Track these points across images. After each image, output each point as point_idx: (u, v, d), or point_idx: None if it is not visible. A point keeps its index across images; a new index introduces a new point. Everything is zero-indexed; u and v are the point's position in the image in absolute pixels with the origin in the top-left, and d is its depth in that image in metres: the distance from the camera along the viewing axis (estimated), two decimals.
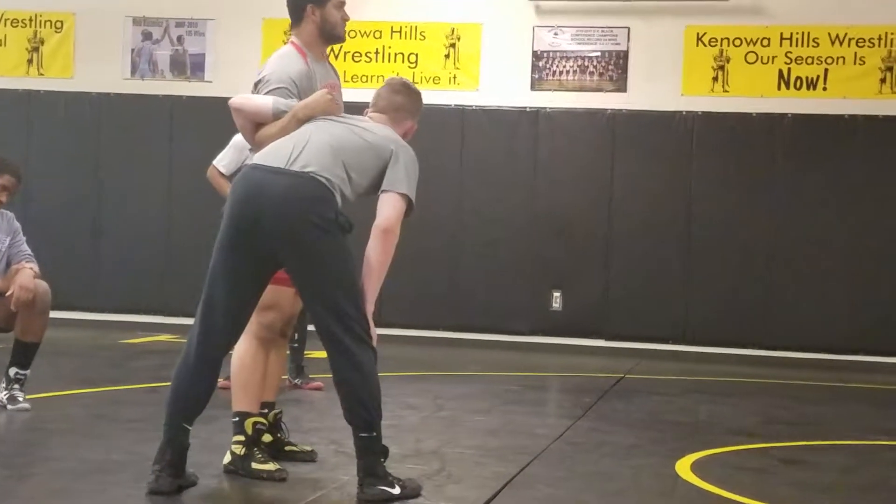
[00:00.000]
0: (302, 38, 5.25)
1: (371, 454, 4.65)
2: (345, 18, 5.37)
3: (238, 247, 4.63)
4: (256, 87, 5.12)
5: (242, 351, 5.19)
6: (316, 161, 4.65)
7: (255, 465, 5.02)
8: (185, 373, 4.68)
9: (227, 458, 5.11)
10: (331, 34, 5.31)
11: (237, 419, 5.12)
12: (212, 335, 4.66)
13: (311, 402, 7.60)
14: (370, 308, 4.73)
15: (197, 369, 4.66)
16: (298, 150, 4.68)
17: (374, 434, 4.64)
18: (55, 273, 12.77)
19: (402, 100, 5.13)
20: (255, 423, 5.11)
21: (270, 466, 5.03)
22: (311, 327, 8.35)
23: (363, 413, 4.62)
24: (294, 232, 4.57)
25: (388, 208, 4.75)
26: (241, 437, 5.09)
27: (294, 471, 5.17)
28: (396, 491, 4.64)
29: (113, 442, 5.72)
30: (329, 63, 5.47)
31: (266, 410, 5.39)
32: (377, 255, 4.72)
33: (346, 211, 4.70)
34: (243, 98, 5.07)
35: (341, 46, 12.35)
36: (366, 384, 4.62)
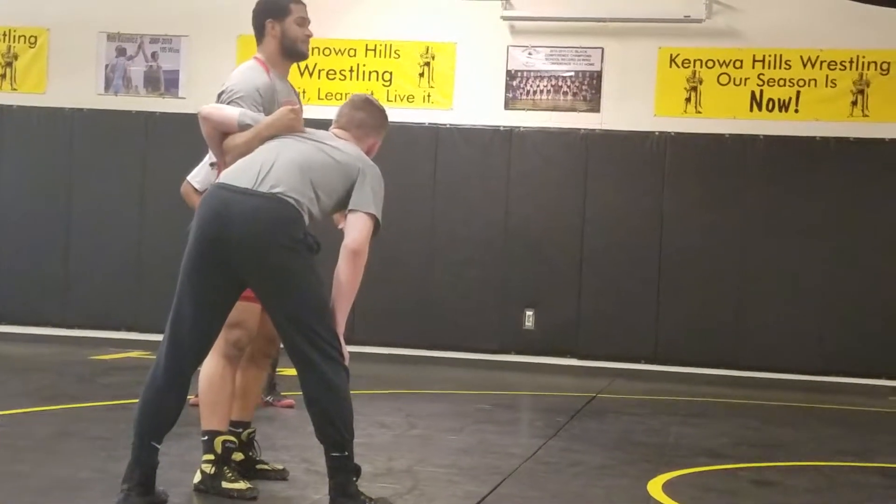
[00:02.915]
0: (265, 53, 5.26)
1: (342, 473, 4.63)
2: (307, 35, 5.33)
3: (204, 266, 4.61)
4: (220, 97, 5.10)
5: (210, 370, 5.14)
6: (284, 181, 4.63)
7: (225, 485, 4.99)
8: (154, 391, 4.64)
9: (198, 477, 5.08)
10: (292, 50, 5.28)
11: (206, 438, 5.08)
12: (179, 353, 4.63)
13: (283, 419, 7.57)
14: (341, 328, 4.72)
15: (166, 387, 4.63)
16: (266, 170, 4.65)
17: (346, 453, 4.62)
18: (26, 288, 12.77)
19: (364, 116, 5.12)
20: (224, 442, 5.07)
21: (241, 485, 4.99)
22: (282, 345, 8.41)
23: (334, 433, 4.60)
24: (262, 253, 4.55)
25: (356, 229, 4.74)
26: (211, 456, 5.05)
27: (265, 489, 5.14)
28: None
29: (80, 459, 5.68)
30: (289, 82, 5.44)
31: (240, 430, 5.37)
32: (346, 276, 4.71)
33: (313, 230, 4.69)
34: (212, 107, 5.06)
35: (315, 64, 12.38)
36: (337, 404, 4.60)
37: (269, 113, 5.02)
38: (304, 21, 5.29)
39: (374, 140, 5.13)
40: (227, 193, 4.62)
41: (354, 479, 4.66)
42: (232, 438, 5.15)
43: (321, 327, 4.61)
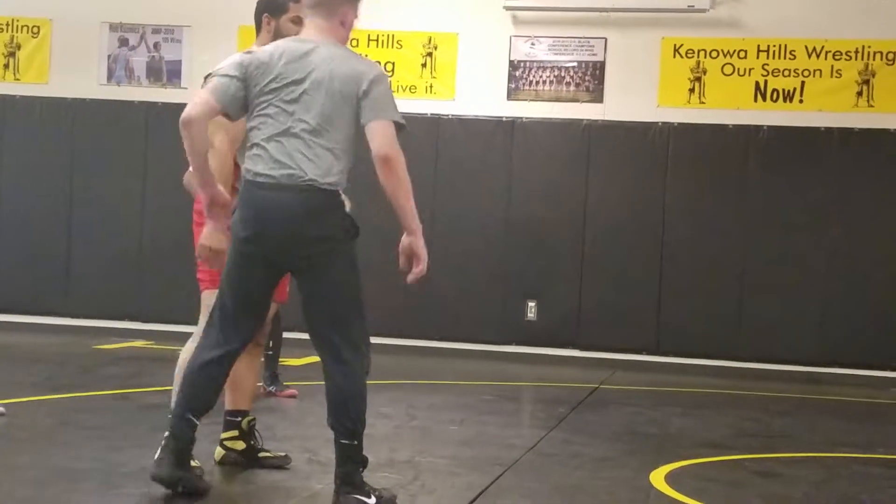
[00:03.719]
0: (259, 46, 5.26)
1: (350, 462, 4.65)
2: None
3: (247, 257, 4.65)
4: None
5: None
6: (311, 165, 4.57)
7: (261, 454, 5.42)
8: (201, 366, 4.67)
9: (219, 453, 5.38)
10: None
11: (233, 418, 5.43)
12: (227, 331, 4.68)
13: (285, 410, 7.58)
14: (418, 232, 4.70)
15: (213, 363, 4.67)
16: (289, 157, 4.57)
17: (356, 443, 4.65)
18: (28, 277, 12.77)
19: None
20: (250, 421, 5.42)
21: (274, 453, 5.44)
22: (286, 335, 8.42)
23: (347, 421, 4.63)
24: (303, 247, 4.59)
25: (377, 136, 4.59)
26: (236, 432, 5.36)
27: (268, 479, 5.16)
28: (372, 501, 4.62)
29: (81, 449, 5.68)
30: None
31: (239, 418, 5.38)
32: (391, 185, 4.63)
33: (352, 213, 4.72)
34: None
35: None
36: (356, 394, 4.65)
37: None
38: (299, 20, 5.30)
39: (346, 9, 4.83)
40: (262, 191, 4.60)
41: (361, 469, 4.68)
42: (253, 418, 5.44)
43: (354, 316, 4.68)
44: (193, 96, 4.73)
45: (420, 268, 4.67)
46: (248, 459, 5.36)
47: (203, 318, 5.03)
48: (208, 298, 5.03)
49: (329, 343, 4.66)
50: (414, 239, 4.67)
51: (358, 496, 4.61)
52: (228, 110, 4.67)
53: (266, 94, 4.63)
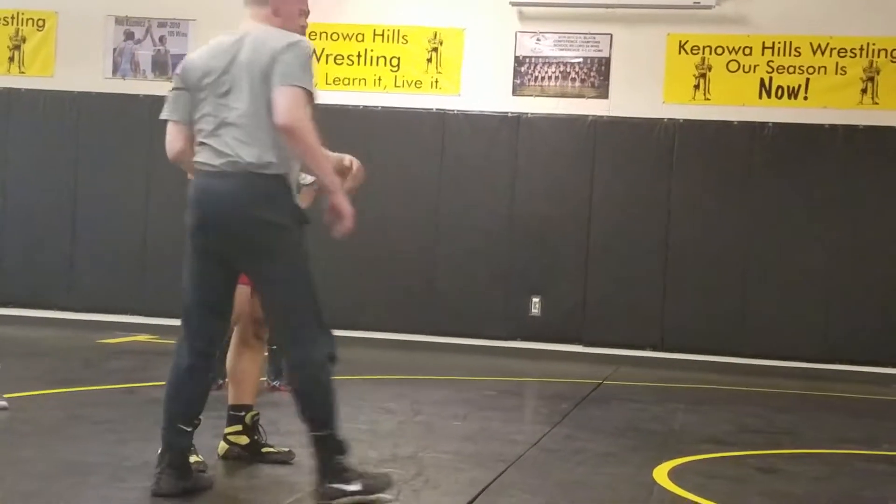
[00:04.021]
0: None
1: (324, 451, 4.58)
2: (302, 25, 5.36)
3: (198, 251, 4.64)
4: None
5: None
6: (248, 150, 4.52)
7: (264, 449, 5.42)
8: (175, 375, 4.67)
9: (223, 448, 5.41)
10: None
11: (235, 412, 5.44)
12: (193, 336, 4.66)
13: (289, 404, 7.52)
14: (337, 190, 4.56)
15: (186, 371, 4.65)
16: (227, 145, 4.55)
17: (328, 431, 4.57)
18: (32, 271, 12.79)
19: None
20: (254, 416, 5.44)
21: (276, 448, 5.42)
22: None
23: (315, 410, 4.58)
24: (246, 234, 4.54)
25: (278, 103, 4.44)
26: (240, 427, 5.39)
27: (270, 474, 5.17)
28: (353, 487, 4.55)
29: (88, 443, 5.69)
30: None
31: (242, 413, 5.40)
32: (298, 153, 4.52)
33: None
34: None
35: (323, 49, 12.37)
36: (317, 381, 4.59)
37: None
38: (303, 13, 5.32)
39: None
40: (203, 179, 4.62)
41: (339, 457, 4.59)
42: (257, 412, 5.46)
43: (307, 301, 4.58)
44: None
45: (344, 223, 4.55)
46: (251, 454, 5.37)
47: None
48: None
49: (284, 333, 4.63)
50: (334, 196, 4.56)
51: (337, 485, 4.54)
52: (190, 119, 4.72)
53: (202, 91, 4.66)
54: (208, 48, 4.78)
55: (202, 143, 4.65)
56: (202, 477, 4.78)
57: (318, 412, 4.58)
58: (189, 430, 4.67)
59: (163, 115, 4.80)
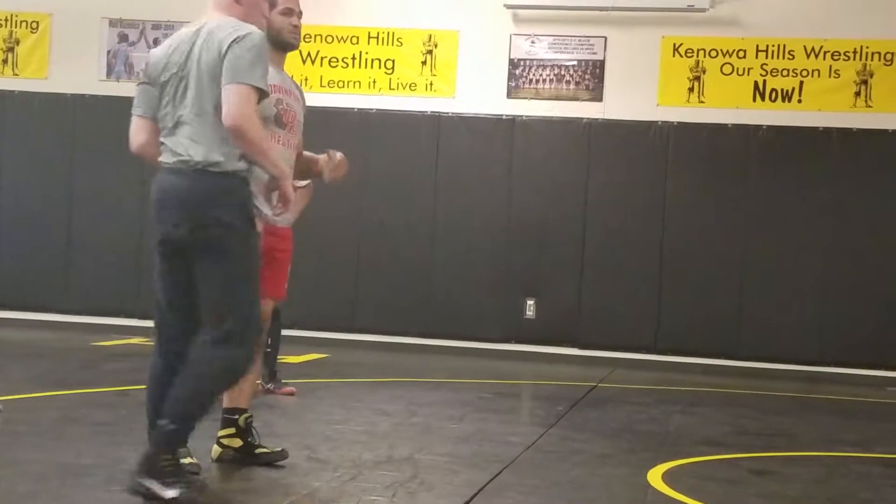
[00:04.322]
0: None
1: (156, 445, 4.44)
2: (293, 24, 5.37)
3: (159, 249, 4.70)
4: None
5: None
6: (198, 148, 4.51)
7: (257, 451, 5.36)
8: (153, 376, 4.68)
9: (216, 452, 5.37)
10: (277, 40, 5.33)
11: (228, 416, 5.38)
12: (165, 335, 4.70)
13: (283, 407, 7.58)
14: (285, 176, 4.60)
15: (162, 372, 4.65)
16: (180, 144, 4.55)
17: (173, 427, 4.44)
18: (27, 273, 12.78)
19: None
20: (247, 419, 5.40)
21: (269, 448, 5.35)
22: (285, 332, 8.44)
23: (178, 404, 4.46)
24: (192, 232, 4.53)
25: (226, 102, 4.41)
26: (233, 430, 5.34)
27: (265, 476, 5.16)
28: (169, 493, 4.34)
29: (83, 445, 5.68)
30: (286, 73, 5.51)
31: (236, 416, 5.40)
32: (245, 150, 4.49)
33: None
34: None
35: (318, 51, 12.37)
36: (205, 381, 4.49)
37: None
38: (289, 11, 5.34)
39: None
40: (160, 175, 4.65)
41: (168, 458, 4.41)
42: (251, 415, 5.43)
43: (245, 306, 4.53)
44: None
45: (286, 207, 4.63)
46: (244, 456, 5.37)
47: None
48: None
49: (212, 331, 4.51)
50: (283, 182, 4.61)
51: (150, 483, 4.35)
52: (156, 114, 4.70)
53: (164, 87, 4.64)
54: (170, 41, 4.72)
55: (162, 143, 4.65)
56: (191, 478, 4.75)
57: (183, 407, 4.46)
58: None
59: (132, 110, 4.77)
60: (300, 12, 5.44)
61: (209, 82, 4.50)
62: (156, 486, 4.35)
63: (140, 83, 4.77)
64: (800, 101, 11.90)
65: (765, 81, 11.96)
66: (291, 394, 7.96)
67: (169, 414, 4.45)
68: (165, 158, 4.62)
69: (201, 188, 4.52)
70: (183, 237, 4.55)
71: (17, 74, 13.05)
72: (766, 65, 11.95)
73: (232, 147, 4.50)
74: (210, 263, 4.52)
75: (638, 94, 12.07)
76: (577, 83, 12.23)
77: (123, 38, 12.91)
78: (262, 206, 5.04)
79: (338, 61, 12.51)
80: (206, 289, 4.55)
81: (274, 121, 5.28)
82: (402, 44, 12.49)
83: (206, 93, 4.51)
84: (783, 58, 11.93)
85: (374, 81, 12.42)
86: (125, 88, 12.80)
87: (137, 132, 4.78)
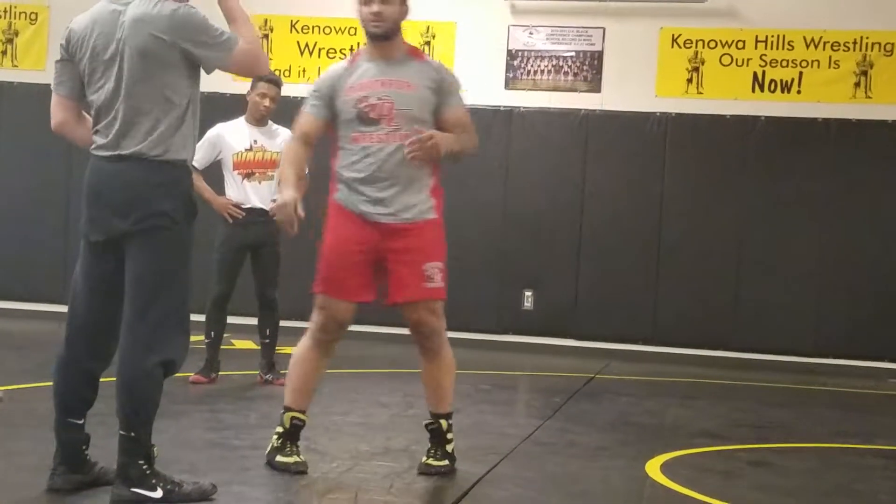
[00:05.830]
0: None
1: (126, 455, 4.37)
2: (370, 12, 5.41)
3: (91, 239, 4.50)
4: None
5: (297, 349, 5.39)
6: (131, 135, 4.37)
7: (279, 458, 5.20)
8: (59, 369, 4.60)
9: (269, 447, 5.34)
10: (366, 31, 5.55)
11: (282, 411, 5.33)
12: (79, 329, 4.62)
13: (281, 398, 7.57)
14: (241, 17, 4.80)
15: (67, 365, 4.59)
16: (113, 129, 4.41)
17: (132, 435, 4.36)
18: (24, 264, 12.77)
19: None
20: (292, 419, 5.30)
21: (291, 460, 5.19)
22: (283, 323, 8.43)
23: (128, 411, 4.38)
24: (120, 221, 4.35)
25: (243, 61, 4.71)
26: (280, 430, 5.30)
27: (262, 468, 5.16)
28: (155, 494, 4.35)
29: None
30: (397, 60, 5.63)
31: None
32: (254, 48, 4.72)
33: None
34: None
35: (315, 42, 12.36)
36: (146, 384, 4.37)
37: (337, 98, 5.38)
38: (367, 1, 5.38)
39: None
40: (95, 162, 4.50)
41: (142, 462, 4.36)
42: (301, 417, 5.33)
43: (176, 301, 4.38)
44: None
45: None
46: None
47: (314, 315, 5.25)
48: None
49: (139, 327, 4.34)
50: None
51: (136, 489, 4.33)
52: (79, 93, 4.54)
53: (87, 70, 4.45)
54: (90, 14, 4.46)
55: (95, 131, 4.51)
56: (102, 470, 4.62)
57: (134, 413, 4.35)
58: (80, 423, 4.58)
59: (54, 88, 4.59)
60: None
61: (140, 61, 4.32)
62: (140, 491, 4.34)
63: (58, 60, 4.54)
64: (799, 91, 11.88)
65: (764, 72, 11.95)
66: None
67: (125, 425, 4.36)
68: (102, 146, 4.44)
69: (144, 178, 4.34)
70: (122, 229, 4.35)
71: (15, 66, 13.03)
72: (765, 55, 11.93)
73: (170, 131, 4.35)
74: (146, 258, 4.34)
75: (636, 86, 12.05)
76: (575, 74, 12.21)
77: None
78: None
79: (335, 52, 12.47)
80: (137, 284, 4.35)
81: (358, 121, 5.23)
82: None
83: (145, 74, 4.33)
84: (782, 48, 11.91)
85: None
86: None
87: (55, 111, 4.60)
